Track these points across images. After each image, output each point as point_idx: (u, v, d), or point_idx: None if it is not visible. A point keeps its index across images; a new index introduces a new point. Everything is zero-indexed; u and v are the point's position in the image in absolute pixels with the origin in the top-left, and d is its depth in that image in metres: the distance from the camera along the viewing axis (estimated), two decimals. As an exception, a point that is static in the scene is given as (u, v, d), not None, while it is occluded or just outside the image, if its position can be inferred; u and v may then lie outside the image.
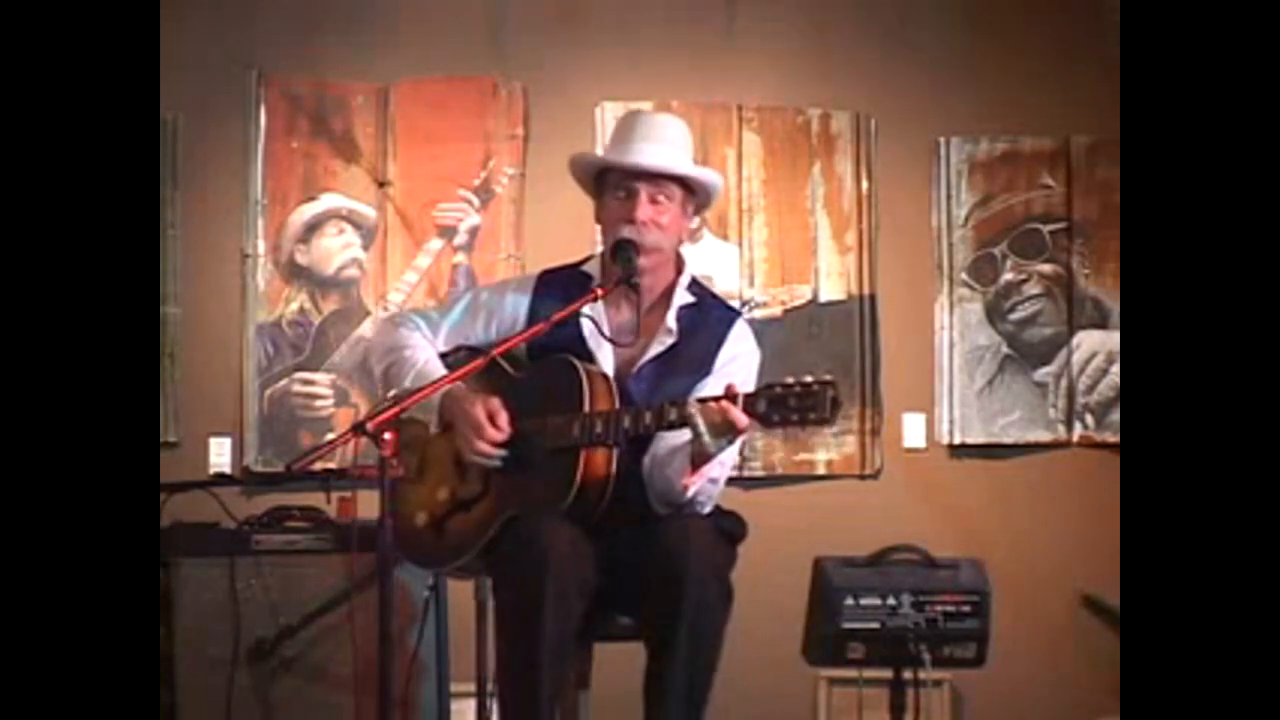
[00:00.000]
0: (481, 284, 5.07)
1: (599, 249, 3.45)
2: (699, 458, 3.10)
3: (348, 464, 3.70)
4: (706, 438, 3.04)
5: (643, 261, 3.31)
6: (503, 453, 3.24)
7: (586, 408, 3.19)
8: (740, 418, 3.01)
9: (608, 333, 3.33)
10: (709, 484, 3.21)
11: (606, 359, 3.33)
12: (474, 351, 3.33)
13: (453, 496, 3.34)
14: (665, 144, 3.35)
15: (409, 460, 3.39)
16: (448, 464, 3.36)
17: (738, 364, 3.32)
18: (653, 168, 3.31)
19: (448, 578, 3.87)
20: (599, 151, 5.15)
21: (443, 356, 3.43)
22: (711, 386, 3.20)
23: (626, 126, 3.44)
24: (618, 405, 3.21)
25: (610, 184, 3.36)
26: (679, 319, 3.35)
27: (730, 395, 3.04)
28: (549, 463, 3.20)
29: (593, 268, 3.43)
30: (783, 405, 2.98)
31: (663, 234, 3.33)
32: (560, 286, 3.38)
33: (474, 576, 3.67)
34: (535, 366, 3.34)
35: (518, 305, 3.42)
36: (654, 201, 3.31)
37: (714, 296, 3.51)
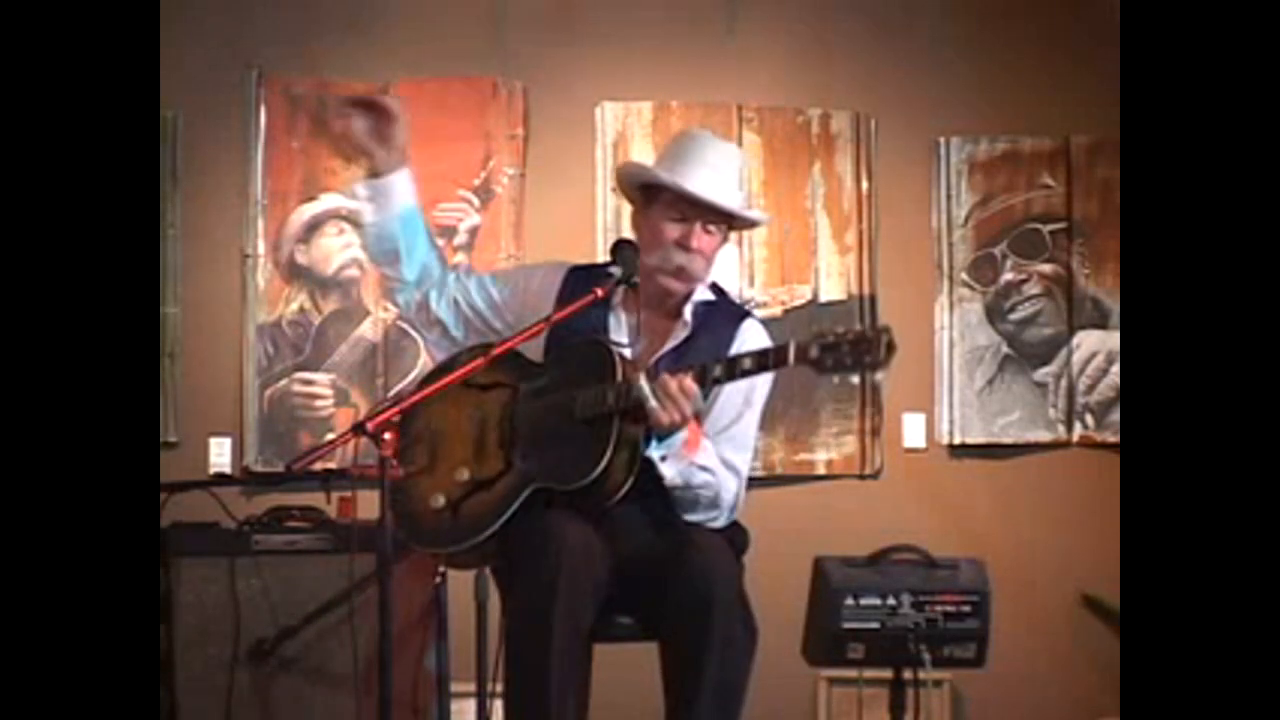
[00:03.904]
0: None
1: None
2: (655, 428, 3.13)
3: (348, 464, 3.70)
4: (652, 404, 3.08)
5: (678, 286, 3.31)
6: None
7: (619, 379, 3.18)
8: (691, 386, 3.07)
9: (624, 338, 3.32)
10: (700, 470, 3.20)
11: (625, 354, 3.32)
12: (484, 349, 3.30)
13: (473, 477, 3.31)
14: (724, 174, 3.32)
15: (423, 447, 3.36)
16: (467, 446, 3.34)
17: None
18: (717, 204, 3.28)
19: (449, 568, 3.85)
20: (599, 152, 5.24)
21: (454, 356, 3.41)
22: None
23: (688, 147, 3.38)
24: None
25: (663, 202, 3.31)
26: (694, 314, 3.35)
27: (690, 367, 3.11)
28: (579, 433, 3.18)
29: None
30: (836, 350, 3.00)
31: (707, 264, 3.33)
32: (585, 285, 3.31)
33: (481, 564, 3.65)
34: (563, 349, 3.32)
35: (546, 294, 3.39)
36: (706, 231, 3.30)
37: (731, 302, 3.52)
